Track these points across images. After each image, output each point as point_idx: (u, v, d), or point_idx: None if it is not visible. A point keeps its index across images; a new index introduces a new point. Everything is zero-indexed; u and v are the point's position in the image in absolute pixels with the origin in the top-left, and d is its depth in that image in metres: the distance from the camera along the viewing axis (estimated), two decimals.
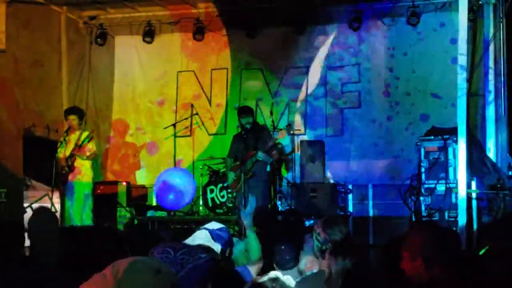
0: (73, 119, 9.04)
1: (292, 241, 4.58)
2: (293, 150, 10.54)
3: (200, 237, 3.91)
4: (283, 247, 4.40)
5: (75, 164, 8.89)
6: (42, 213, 4.61)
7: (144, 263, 1.65)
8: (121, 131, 11.84)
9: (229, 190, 9.91)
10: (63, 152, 8.96)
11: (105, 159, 11.72)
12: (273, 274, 2.72)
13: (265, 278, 2.66)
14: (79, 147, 8.81)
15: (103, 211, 9.85)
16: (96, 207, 9.85)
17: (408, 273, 3.00)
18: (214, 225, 4.15)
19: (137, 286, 1.58)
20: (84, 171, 8.98)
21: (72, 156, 8.87)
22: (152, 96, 11.81)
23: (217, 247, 3.85)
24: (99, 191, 10.29)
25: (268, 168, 8.64)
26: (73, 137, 9.03)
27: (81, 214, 8.91)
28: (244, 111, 9.08)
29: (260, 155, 8.62)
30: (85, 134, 9.03)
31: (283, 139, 9.32)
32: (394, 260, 3.13)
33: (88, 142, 8.93)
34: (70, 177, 8.92)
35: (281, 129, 8.91)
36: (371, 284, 3.45)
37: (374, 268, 4.84)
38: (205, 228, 4.07)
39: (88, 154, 8.93)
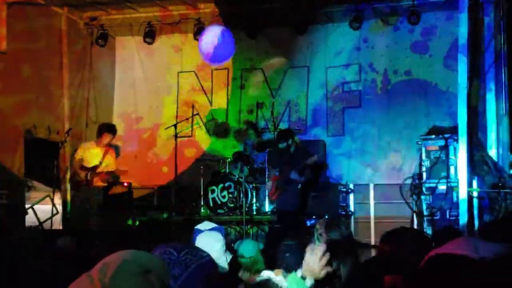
0: (108, 137, 8.94)
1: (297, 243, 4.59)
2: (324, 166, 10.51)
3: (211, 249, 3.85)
4: (287, 254, 4.40)
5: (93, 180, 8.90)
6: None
7: (134, 263, 1.63)
8: (121, 131, 11.82)
9: (230, 190, 9.94)
10: (86, 157, 8.94)
11: None
12: (265, 275, 2.71)
13: (258, 279, 2.66)
14: (97, 173, 8.77)
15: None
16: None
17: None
18: (207, 225, 4.12)
19: None
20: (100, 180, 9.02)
21: (91, 174, 8.85)
22: (153, 96, 11.81)
23: (228, 257, 3.84)
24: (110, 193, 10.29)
25: (299, 186, 8.75)
26: (96, 152, 8.95)
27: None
28: (279, 137, 9.05)
29: (293, 175, 8.75)
30: (110, 161, 8.96)
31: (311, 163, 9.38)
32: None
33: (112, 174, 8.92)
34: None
35: (311, 157, 8.94)
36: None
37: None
38: (198, 230, 4.04)
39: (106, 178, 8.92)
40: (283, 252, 4.01)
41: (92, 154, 8.95)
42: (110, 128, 9.18)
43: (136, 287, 1.57)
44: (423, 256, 2.35)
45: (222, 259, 3.77)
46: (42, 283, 2.85)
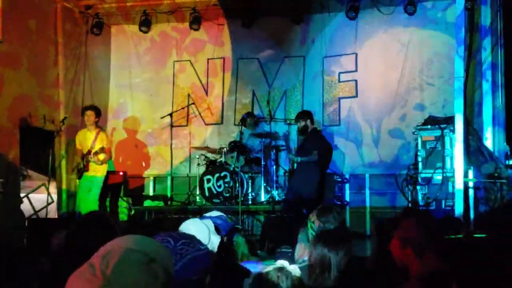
0: (90, 114, 9.08)
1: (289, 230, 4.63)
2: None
3: (192, 228, 3.88)
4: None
5: (90, 164, 9.00)
6: None
7: (138, 252, 1.60)
8: (116, 121, 11.80)
9: (226, 180, 9.95)
10: (81, 145, 9.15)
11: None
12: (279, 263, 2.70)
13: (270, 268, 2.65)
14: (94, 153, 8.85)
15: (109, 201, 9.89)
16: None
17: (398, 260, 2.98)
18: (214, 213, 4.17)
19: (126, 284, 1.55)
20: (99, 168, 9.04)
21: (86, 157, 8.95)
22: (148, 85, 11.77)
23: (216, 239, 3.84)
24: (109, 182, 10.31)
25: (314, 166, 8.80)
26: (89, 136, 9.10)
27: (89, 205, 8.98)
28: (297, 116, 9.36)
29: (298, 159, 8.94)
30: (103, 139, 9.03)
31: None
32: (385, 245, 3.11)
33: (103, 151, 8.95)
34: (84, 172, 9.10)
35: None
36: (365, 278, 3.44)
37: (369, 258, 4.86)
38: (206, 217, 4.07)
39: (102, 159, 8.96)
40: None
41: (86, 140, 9.13)
42: (89, 107, 9.40)
43: (139, 278, 1.55)
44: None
45: (209, 245, 3.79)
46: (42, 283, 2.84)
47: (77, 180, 9.56)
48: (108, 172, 9.39)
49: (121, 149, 11.65)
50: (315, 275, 3.36)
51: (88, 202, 8.90)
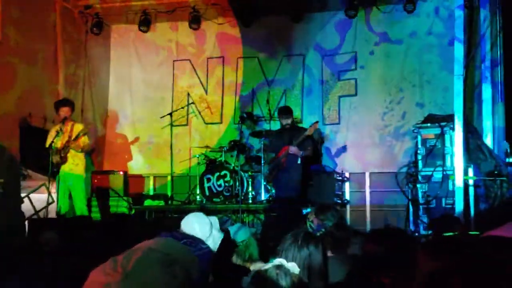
0: (66, 111, 8.95)
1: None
2: (321, 142, 10.54)
3: (194, 221, 3.86)
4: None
5: (68, 155, 8.85)
6: None
7: (160, 251, 1.62)
8: (116, 120, 11.81)
9: (226, 179, 9.94)
10: (61, 141, 8.91)
11: (102, 148, 11.69)
12: (277, 261, 2.70)
13: (269, 265, 2.64)
14: (73, 140, 8.75)
15: (98, 201, 9.89)
16: (93, 196, 9.89)
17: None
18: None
19: (144, 282, 1.56)
20: (77, 161, 8.94)
21: (66, 148, 8.81)
22: (148, 85, 11.77)
23: (219, 235, 3.84)
24: (96, 181, 10.31)
25: (299, 161, 8.69)
26: (66, 129, 8.96)
27: (75, 204, 8.90)
28: (285, 112, 9.12)
29: (292, 149, 8.70)
30: (80, 127, 8.94)
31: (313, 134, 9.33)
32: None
33: (83, 135, 8.87)
34: (63, 167, 8.88)
35: (310, 126, 8.90)
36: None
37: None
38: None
39: (82, 146, 8.88)
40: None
41: (64, 136, 8.90)
42: (60, 103, 9.17)
43: (156, 276, 1.56)
44: (407, 256, 2.35)
45: (209, 241, 3.78)
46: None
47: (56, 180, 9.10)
48: (93, 172, 9.33)
49: (121, 147, 11.67)
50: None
51: (76, 203, 8.81)
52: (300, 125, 10.59)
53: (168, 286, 1.56)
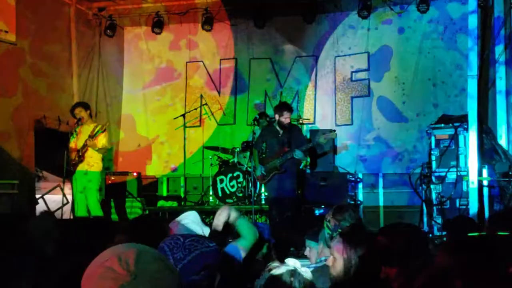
0: (80, 110, 8.90)
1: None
2: (331, 151, 10.28)
3: (189, 218, 3.92)
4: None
5: (86, 154, 8.82)
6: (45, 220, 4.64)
7: (148, 251, 1.62)
8: (129, 122, 11.87)
9: (239, 180, 9.94)
10: (75, 142, 8.91)
11: (116, 150, 11.75)
12: (291, 265, 2.69)
13: (282, 270, 2.64)
14: (91, 137, 8.72)
15: (114, 202, 9.94)
16: (107, 197, 9.93)
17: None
18: (190, 216, 4.10)
19: (151, 277, 1.56)
20: (93, 161, 8.92)
21: (84, 147, 8.77)
22: (161, 86, 11.82)
23: (206, 230, 3.87)
24: (110, 182, 10.36)
25: (301, 166, 8.62)
26: (85, 129, 8.81)
27: (89, 205, 8.89)
28: (288, 107, 8.63)
29: (298, 153, 8.34)
30: (99, 126, 8.95)
31: (325, 141, 9.15)
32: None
33: (101, 133, 8.84)
34: (79, 167, 8.85)
35: (325, 134, 8.75)
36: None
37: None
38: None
39: (100, 145, 8.85)
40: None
41: (79, 136, 8.86)
42: (78, 104, 9.15)
43: (161, 270, 1.57)
44: (417, 251, 2.33)
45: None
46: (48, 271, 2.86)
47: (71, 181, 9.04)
48: (107, 173, 9.33)
49: (133, 150, 11.72)
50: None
51: (90, 204, 8.81)
52: (311, 126, 10.61)
53: (171, 280, 1.57)
